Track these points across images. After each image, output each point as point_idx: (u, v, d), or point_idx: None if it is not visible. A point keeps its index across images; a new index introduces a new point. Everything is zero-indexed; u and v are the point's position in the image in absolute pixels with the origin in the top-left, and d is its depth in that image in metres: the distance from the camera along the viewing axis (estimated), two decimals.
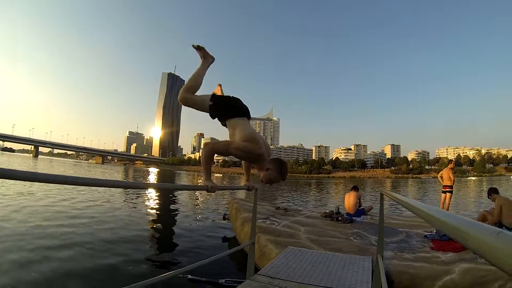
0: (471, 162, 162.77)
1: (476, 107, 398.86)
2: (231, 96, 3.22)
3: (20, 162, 58.38)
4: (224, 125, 3.11)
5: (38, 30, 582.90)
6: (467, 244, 0.56)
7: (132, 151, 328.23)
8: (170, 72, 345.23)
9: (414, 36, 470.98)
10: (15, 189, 14.12)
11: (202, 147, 2.91)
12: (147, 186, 2.35)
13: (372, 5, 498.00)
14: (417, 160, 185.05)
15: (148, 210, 12.45)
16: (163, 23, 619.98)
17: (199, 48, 3.22)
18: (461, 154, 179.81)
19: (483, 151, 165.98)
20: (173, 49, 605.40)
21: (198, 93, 3.11)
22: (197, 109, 3.08)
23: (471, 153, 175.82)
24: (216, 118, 3.14)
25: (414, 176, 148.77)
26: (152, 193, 16.84)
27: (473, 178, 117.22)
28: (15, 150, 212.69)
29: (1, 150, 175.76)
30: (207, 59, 3.23)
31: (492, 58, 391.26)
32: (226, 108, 3.06)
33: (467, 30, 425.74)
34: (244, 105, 3.17)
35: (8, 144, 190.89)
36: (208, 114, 3.10)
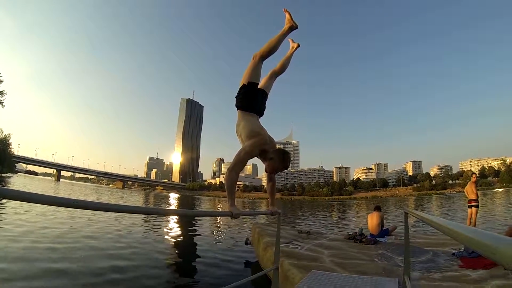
0: (496, 173, 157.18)
1: (496, 113, 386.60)
2: (261, 92, 3.42)
3: (44, 185, 60.43)
4: (237, 107, 3.35)
5: (61, 57, 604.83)
6: (496, 259, 0.54)
7: (153, 177, 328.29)
8: (189, 98, 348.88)
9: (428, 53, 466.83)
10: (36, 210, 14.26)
11: (223, 172, 3.05)
12: (171, 212, 2.45)
13: (384, 30, 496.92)
14: (440, 175, 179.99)
15: (170, 234, 12.52)
16: (181, 49, 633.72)
17: (287, 11, 3.46)
18: (486, 166, 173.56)
19: (508, 160, 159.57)
20: (191, 74, 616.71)
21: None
22: (244, 75, 3.34)
23: (495, 164, 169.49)
24: (235, 98, 3.38)
25: (438, 192, 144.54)
26: (174, 218, 16.89)
27: (500, 189, 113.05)
28: (37, 173, 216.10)
29: (25, 173, 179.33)
30: (290, 24, 3.43)
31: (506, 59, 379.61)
32: (246, 98, 3.31)
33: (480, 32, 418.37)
34: (262, 104, 3.43)
35: (31, 167, 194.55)
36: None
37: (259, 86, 3.40)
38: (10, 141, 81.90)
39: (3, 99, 59.29)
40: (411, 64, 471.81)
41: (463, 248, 6.04)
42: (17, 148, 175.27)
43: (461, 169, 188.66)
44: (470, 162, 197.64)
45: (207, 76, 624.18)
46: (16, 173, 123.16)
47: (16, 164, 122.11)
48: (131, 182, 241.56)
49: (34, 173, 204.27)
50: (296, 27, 3.45)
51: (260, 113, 3.41)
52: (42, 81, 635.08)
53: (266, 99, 3.50)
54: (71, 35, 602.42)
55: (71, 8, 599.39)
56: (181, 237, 12.18)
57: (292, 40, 3.89)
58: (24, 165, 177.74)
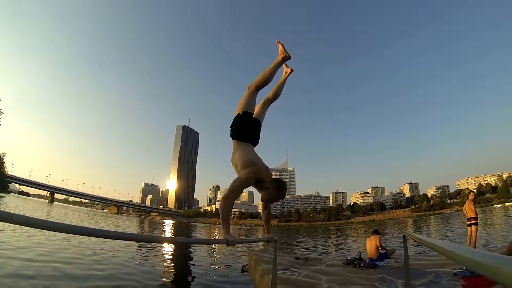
0: (494, 189, 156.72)
1: (489, 129, 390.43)
2: (255, 121, 3.45)
3: (36, 207, 59.01)
4: (232, 137, 3.36)
5: (58, 80, 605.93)
6: (498, 280, 0.55)
7: (148, 203, 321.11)
8: (185, 125, 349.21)
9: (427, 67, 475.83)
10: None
11: (219, 199, 3.00)
12: (166, 240, 2.37)
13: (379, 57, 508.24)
14: (438, 195, 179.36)
15: (164, 262, 12.28)
16: (178, 76, 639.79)
17: (279, 43, 3.64)
18: (483, 183, 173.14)
19: (505, 176, 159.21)
20: (187, 101, 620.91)
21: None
22: (239, 105, 3.40)
23: (492, 180, 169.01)
24: (230, 128, 3.40)
25: (436, 212, 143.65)
26: (169, 246, 16.49)
27: (498, 205, 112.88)
28: (31, 194, 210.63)
29: (18, 194, 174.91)
30: (283, 55, 3.60)
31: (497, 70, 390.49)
32: (240, 128, 3.32)
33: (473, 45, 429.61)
34: (257, 133, 3.45)
35: (24, 188, 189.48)
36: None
37: (253, 115, 3.44)
38: (4, 160, 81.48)
39: (0, 117, 58.93)
40: (403, 88, 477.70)
41: (465, 268, 5.89)
42: (11, 167, 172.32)
43: (458, 188, 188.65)
44: (467, 180, 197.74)
45: (203, 104, 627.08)
46: (9, 193, 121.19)
47: (9, 184, 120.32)
48: (125, 207, 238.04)
49: (27, 194, 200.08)
50: (289, 58, 3.62)
51: (255, 142, 3.43)
52: (39, 102, 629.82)
53: (260, 128, 3.53)
54: (69, 58, 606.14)
55: (69, 32, 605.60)
56: (176, 265, 11.95)
57: (286, 65, 3.94)
58: (17, 185, 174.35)
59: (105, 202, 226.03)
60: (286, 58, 3.61)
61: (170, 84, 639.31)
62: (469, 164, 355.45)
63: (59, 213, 50.44)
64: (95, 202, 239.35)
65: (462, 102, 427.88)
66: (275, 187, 3.04)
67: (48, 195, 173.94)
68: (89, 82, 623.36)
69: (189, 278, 9.54)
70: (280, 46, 3.61)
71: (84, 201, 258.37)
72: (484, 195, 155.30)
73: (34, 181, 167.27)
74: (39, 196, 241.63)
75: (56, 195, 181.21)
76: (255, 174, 2.98)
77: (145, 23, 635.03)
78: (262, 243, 17.12)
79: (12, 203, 52.57)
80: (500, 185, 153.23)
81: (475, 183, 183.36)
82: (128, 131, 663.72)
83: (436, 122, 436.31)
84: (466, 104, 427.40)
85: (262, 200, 3.23)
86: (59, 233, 1.17)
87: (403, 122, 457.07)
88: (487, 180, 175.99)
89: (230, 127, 3.39)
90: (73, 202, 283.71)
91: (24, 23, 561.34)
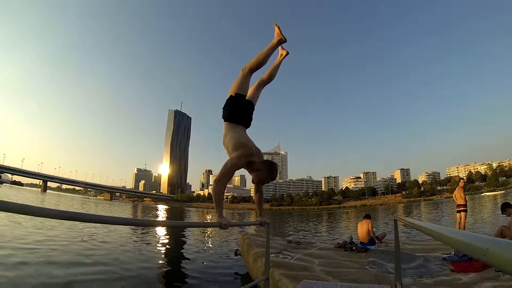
0: (483, 177, 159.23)
1: (481, 119, 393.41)
2: (248, 103, 3.43)
3: (29, 196, 58.11)
4: (224, 118, 3.35)
5: (48, 69, 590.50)
6: (487, 260, 0.55)
7: (141, 188, 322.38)
8: (177, 110, 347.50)
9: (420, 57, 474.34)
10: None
11: (211, 184, 3.02)
12: (159, 224, 2.40)
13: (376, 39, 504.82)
14: (428, 182, 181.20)
15: (158, 246, 12.31)
16: (169, 60, 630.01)
17: (276, 25, 3.58)
18: (472, 171, 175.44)
19: (494, 165, 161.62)
20: (179, 85, 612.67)
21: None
22: (232, 87, 3.37)
23: (482, 168, 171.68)
24: (222, 109, 3.38)
25: (427, 198, 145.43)
26: (161, 230, 16.58)
27: (487, 193, 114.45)
28: (23, 184, 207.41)
29: (10, 184, 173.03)
30: (279, 38, 3.54)
31: (490, 63, 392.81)
32: (233, 110, 3.31)
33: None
34: (249, 115, 3.43)
35: (16, 178, 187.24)
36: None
37: (246, 97, 3.40)
38: None
39: None
40: (395, 74, 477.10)
41: (453, 253, 6.02)
42: (3, 158, 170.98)
43: (448, 175, 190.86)
44: (457, 167, 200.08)
45: (196, 88, 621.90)
46: (1, 183, 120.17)
47: (1, 174, 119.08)
48: (119, 193, 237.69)
49: (20, 183, 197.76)
50: (285, 41, 3.55)
51: (247, 125, 3.41)
52: (28, 91, 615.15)
53: (253, 110, 3.50)
54: (56, 45, 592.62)
55: (58, 18, 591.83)
56: (170, 249, 11.97)
57: (282, 47, 3.88)
58: (9, 175, 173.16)
59: (98, 189, 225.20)
60: (281, 41, 3.55)
61: (162, 68, 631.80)
62: (459, 152, 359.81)
63: (52, 201, 49.68)
64: (88, 189, 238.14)
65: (460, 87, 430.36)
66: (266, 168, 3.05)
67: (41, 183, 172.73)
68: (79, 68, 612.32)
69: (182, 262, 9.57)
70: (276, 29, 3.55)
71: (77, 188, 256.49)
72: (474, 183, 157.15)
73: (26, 170, 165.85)
74: (32, 185, 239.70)
75: (49, 184, 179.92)
76: (246, 156, 2.97)
77: (136, 5, 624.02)
78: (254, 226, 17.31)
79: (4, 193, 51.71)
80: (489, 173, 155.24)
81: (465, 171, 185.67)
82: (120, 116, 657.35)
83: (430, 109, 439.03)
84: (465, 88, 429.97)
85: (253, 182, 3.21)
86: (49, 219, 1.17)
87: (396, 108, 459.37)
88: (477, 168, 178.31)
89: (223, 108, 3.38)
90: (66, 190, 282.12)
91: (9, 9, 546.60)
